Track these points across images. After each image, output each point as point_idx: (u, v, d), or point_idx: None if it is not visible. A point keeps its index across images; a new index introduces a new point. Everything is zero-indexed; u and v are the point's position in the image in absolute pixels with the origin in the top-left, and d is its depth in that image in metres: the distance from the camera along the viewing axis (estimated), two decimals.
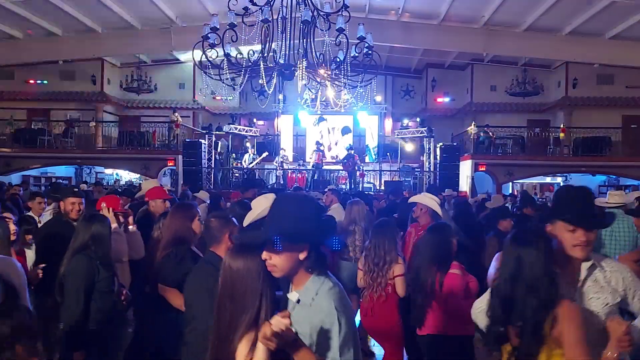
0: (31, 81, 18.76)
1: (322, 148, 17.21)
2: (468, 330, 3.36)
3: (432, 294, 3.36)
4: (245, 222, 2.91)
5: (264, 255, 1.81)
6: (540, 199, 15.84)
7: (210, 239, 2.92)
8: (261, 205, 2.92)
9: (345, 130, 19.93)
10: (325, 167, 17.10)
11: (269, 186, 15.08)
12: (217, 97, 14.18)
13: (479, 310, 2.23)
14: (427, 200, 4.62)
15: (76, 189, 4.51)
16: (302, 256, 1.81)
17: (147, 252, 3.85)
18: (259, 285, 1.83)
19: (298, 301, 1.82)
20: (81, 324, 3.01)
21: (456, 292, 3.31)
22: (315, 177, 16.23)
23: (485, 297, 2.19)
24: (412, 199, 4.99)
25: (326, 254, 1.95)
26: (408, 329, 3.81)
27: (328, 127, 19.93)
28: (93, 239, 3.17)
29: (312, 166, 16.47)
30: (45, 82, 18.86)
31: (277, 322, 1.58)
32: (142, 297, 3.54)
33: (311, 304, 1.78)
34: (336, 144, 19.76)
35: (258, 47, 7.04)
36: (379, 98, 18.79)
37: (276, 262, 1.80)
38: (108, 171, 18.65)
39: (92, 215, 3.39)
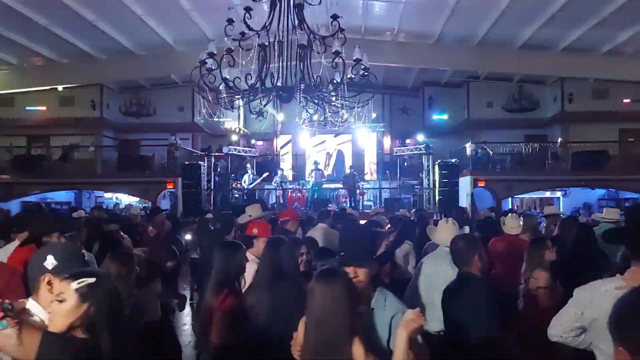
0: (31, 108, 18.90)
1: (320, 167, 17.24)
2: None
3: None
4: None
5: (351, 272, 2.31)
6: (539, 213, 15.84)
7: (459, 259, 3.12)
8: (447, 232, 3.68)
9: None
10: (325, 185, 17.13)
11: (269, 206, 15.07)
12: (216, 119, 14.36)
13: None
14: None
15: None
16: (372, 272, 2.45)
17: None
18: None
19: (372, 310, 2.37)
20: None
21: None
22: (315, 197, 16.24)
23: None
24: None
25: None
26: None
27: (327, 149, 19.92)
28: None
29: (312, 185, 16.49)
30: (44, 107, 19.01)
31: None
32: None
33: (384, 307, 2.39)
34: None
35: (255, 70, 7.11)
36: (374, 116, 18.83)
37: (361, 277, 2.36)
38: (107, 195, 18.66)
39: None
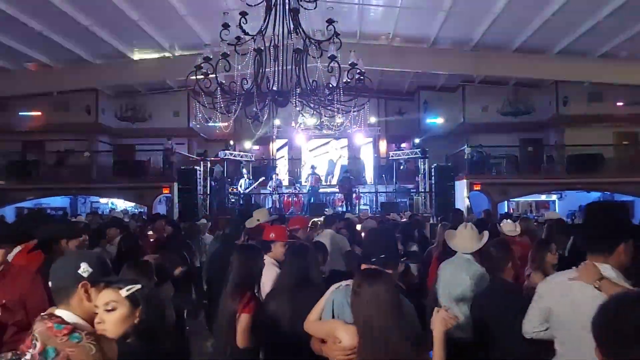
0: (25, 113, 18.83)
1: (317, 171, 17.24)
2: None
3: None
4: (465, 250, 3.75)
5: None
6: (535, 217, 15.90)
7: (493, 266, 3.23)
8: (467, 238, 3.78)
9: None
10: (321, 190, 17.12)
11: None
12: (212, 124, 14.35)
13: None
14: None
15: None
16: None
17: None
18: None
19: None
20: None
21: None
22: (312, 201, 16.22)
23: None
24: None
25: None
26: None
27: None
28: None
29: (308, 190, 16.47)
30: (39, 113, 18.93)
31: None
32: None
33: None
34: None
35: (251, 75, 7.10)
36: (372, 120, 18.90)
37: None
38: (103, 200, 18.58)
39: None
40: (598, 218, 2.45)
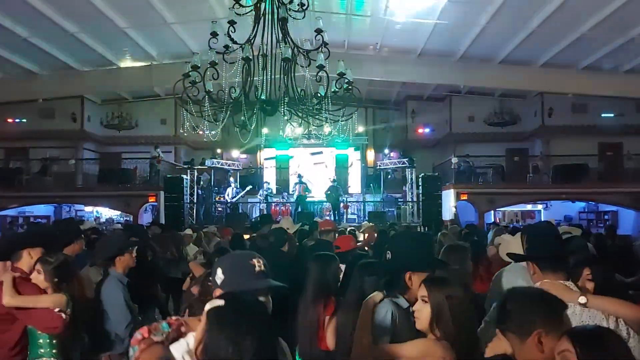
0: (9, 120, 18.59)
1: (304, 180, 17.21)
2: None
3: None
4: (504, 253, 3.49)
5: None
6: (522, 225, 16.00)
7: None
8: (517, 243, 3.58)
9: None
10: (308, 199, 17.08)
11: (253, 219, 15.01)
12: (199, 132, 14.24)
13: None
14: None
15: None
16: None
17: None
18: None
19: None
20: None
21: None
22: (299, 210, 16.17)
23: None
24: None
25: None
26: None
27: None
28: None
29: (296, 198, 16.43)
30: (24, 120, 18.70)
31: None
32: None
33: None
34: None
35: (239, 83, 7.09)
36: (360, 129, 18.96)
37: None
38: (88, 209, 18.35)
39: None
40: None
